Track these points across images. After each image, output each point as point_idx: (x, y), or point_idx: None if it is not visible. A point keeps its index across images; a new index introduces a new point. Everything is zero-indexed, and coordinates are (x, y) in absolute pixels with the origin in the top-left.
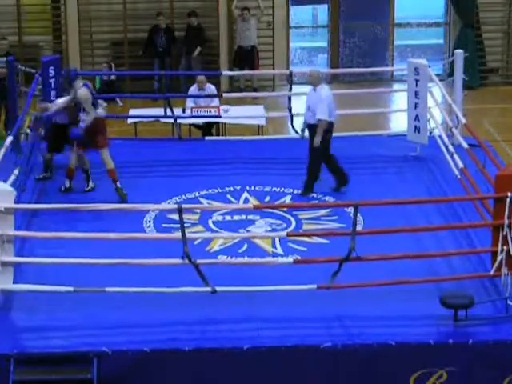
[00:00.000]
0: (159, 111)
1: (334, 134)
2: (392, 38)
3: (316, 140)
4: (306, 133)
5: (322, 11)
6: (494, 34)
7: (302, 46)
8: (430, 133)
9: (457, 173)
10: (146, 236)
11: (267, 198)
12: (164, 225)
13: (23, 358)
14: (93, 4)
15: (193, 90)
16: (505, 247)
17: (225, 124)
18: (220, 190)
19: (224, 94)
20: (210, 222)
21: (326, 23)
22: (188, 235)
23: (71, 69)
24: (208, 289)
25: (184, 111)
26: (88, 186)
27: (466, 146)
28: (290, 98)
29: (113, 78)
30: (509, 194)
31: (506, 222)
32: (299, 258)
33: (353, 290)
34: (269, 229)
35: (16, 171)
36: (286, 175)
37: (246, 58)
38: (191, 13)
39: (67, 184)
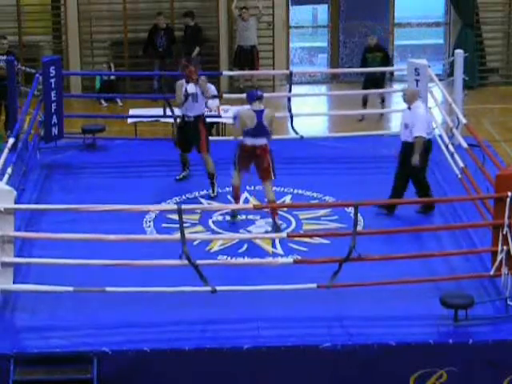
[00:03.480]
0: (159, 111)
1: (334, 134)
2: (392, 38)
3: (414, 158)
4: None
5: (322, 11)
6: (493, 33)
7: (302, 46)
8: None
9: (457, 172)
10: (145, 237)
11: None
12: (164, 225)
13: (23, 358)
14: (93, 4)
15: None
16: (505, 247)
17: (225, 124)
18: (220, 190)
19: (224, 95)
20: (210, 221)
21: (326, 23)
22: (187, 236)
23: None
24: (208, 288)
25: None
26: (213, 192)
27: (465, 145)
28: (289, 99)
29: (112, 77)
30: (509, 194)
31: (506, 221)
32: (299, 258)
33: (353, 290)
34: (269, 229)
35: (9, 170)
36: (286, 175)
37: (245, 57)
38: (187, 13)
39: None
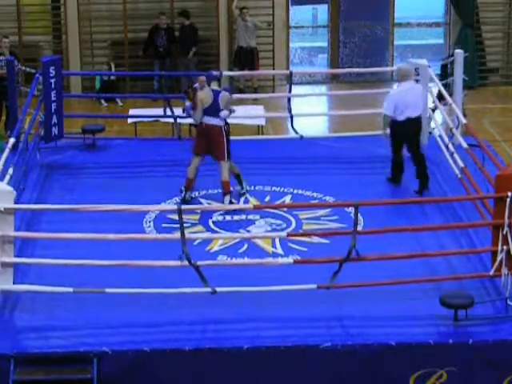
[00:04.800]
0: (159, 111)
1: (334, 134)
2: (392, 38)
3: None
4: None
5: (322, 11)
6: (493, 33)
7: (302, 46)
8: (430, 133)
9: (457, 172)
10: (145, 237)
11: (267, 198)
12: (164, 225)
13: (23, 358)
14: (93, 4)
15: None
16: (505, 247)
17: None
18: (220, 190)
19: None
20: (210, 222)
21: (326, 23)
22: (188, 236)
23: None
24: (208, 289)
25: (184, 111)
26: (243, 188)
27: (465, 145)
28: (289, 99)
29: (112, 77)
30: (509, 194)
31: (506, 221)
32: (299, 258)
33: (353, 290)
34: (269, 229)
35: (10, 171)
36: (286, 175)
37: (245, 58)
38: (182, 12)
39: (186, 196)
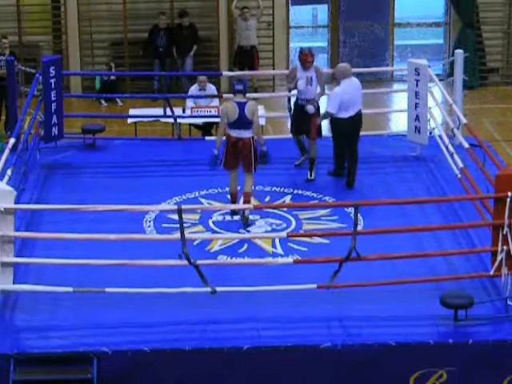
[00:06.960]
0: (159, 111)
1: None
2: (392, 38)
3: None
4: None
5: (322, 11)
6: (493, 33)
7: (302, 46)
8: (430, 133)
9: (457, 172)
10: (145, 237)
11: (267, 198)
12: (164, 225)
13: (23, 358)
14: (93, 4)
15: (193, 89)
16: (505, 247)
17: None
18: (220, 190)
19: (224, 95)
20: (210, 221)
21: (326, 23)
22: (187, 236)
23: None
24: (208, 289)
25: (184, 111)
26: (311, 175)
27: (466, 145)
28: (289, 99)
29: (112, 77)
30: (509, 194)
31: (506, 221)
32: (299, 258)
33: (353, 290)
34: (269, 229)
35: (9, 171)
36: (286, 175)
37: (245, 57)
38: (183, 13)
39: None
